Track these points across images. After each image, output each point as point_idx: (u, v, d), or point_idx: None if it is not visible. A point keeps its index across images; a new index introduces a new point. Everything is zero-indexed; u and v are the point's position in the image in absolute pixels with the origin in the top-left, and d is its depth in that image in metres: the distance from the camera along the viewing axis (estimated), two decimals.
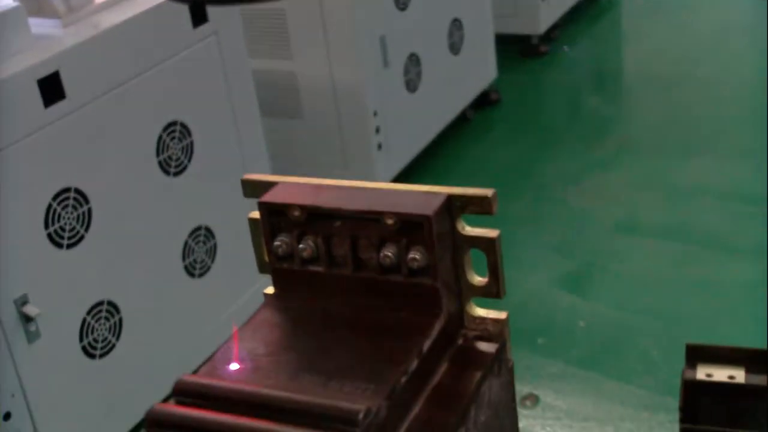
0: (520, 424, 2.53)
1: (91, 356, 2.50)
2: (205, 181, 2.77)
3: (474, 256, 1.05)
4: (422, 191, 1.02)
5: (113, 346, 2.55)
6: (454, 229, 1.02)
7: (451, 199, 1.01)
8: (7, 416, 2.30)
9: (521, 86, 4.54)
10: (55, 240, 2.38)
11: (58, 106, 2.34)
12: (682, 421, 1.55)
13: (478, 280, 1.04)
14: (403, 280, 1.01)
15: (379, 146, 3.45)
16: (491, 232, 1.01)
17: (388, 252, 1.01)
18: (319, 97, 3.42)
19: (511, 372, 1.06)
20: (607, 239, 3.37)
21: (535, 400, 2.65)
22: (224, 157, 2.85)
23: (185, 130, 2.71)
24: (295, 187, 1.05)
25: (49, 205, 2.35)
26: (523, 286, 3.11)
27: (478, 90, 4.21)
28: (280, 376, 0.95)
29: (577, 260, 3.27)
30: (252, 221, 1.08)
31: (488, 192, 0.99)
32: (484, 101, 4.29)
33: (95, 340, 2.50)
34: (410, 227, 1.00)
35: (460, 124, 4.10)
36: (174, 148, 2.68)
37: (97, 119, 2.44)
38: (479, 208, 1.00)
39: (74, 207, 2.41)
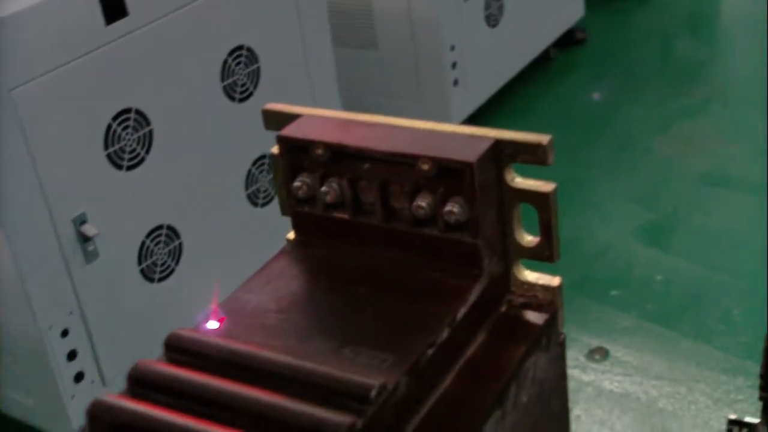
0: (587, 378, 2.38)
1: (150, 279, 2.41)
2: None
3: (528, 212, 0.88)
4: (467, 134, 0.85)
5: (172, 270, 2.46)
6: (501, 180, 0.85)
7: (499, 144, 0.84)
8: (64, 333, 2.23)
9: (610, 26, 4.25)
10: (114, 161, 2.28)
11: (120, 24, 2.21)
12: (762, 388, 1.36)
13: (529, 239, 0.88)
14: (439, 234, 0.85)
15: (455, 82, 3.26)
16: (545, 186, 0.84)
17: (422, 202, 0.85)
18: (394, 28, 3.23)
19: (562, 346, 0.90)
20: (693, 191, 3.13)
21: (604, 354, 2.47)
22: (292, 86, 2.70)
23: (252, 56, 2.56)
24: (321, 121, 0.89)
25: (109, 126, 2.24)
26: (601, 236, 2.91)
27: (564, 28, 3.95)
28: (287, 337, 0.81)
29: (660, 211, 3.04)
30: (273, 157, 0.92)
31: (543, 139, 0.82)
32: (568, 40, 4.02)
33: (154, 264, 2.40)
34: (449, 175, 0.83)
35: (541, 64, 3.85)
36: (239, 74, 2.54)
37: (160, 39, 2.31)
38: (532, 157, 0.83)
39: (135, 128, 2.30)
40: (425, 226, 0.86)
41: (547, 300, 0.88)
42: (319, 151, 0.87)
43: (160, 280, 2.42)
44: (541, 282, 0.88)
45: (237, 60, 2.53)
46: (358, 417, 0.71)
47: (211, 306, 0.88)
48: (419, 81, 3.26)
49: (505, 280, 0.89)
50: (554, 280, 0.88)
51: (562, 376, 0.90)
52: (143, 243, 2.36)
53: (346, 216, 0.89)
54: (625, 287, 2.69)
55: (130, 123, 2.28)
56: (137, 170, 2.32)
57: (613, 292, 2.66)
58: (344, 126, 0.88)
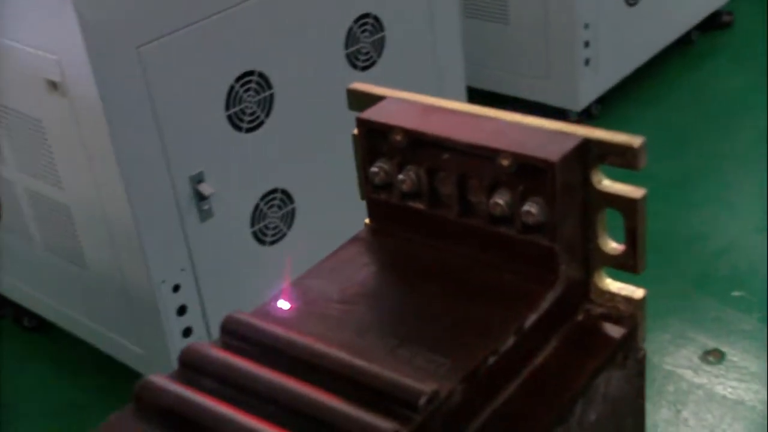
0: (700, 380, 2.26)
1: (262, 242, 2.42)
2: (393, 80, 2.59)
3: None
4: (554, 129, 0.79)
5: (284, 234, 2.46)
6: (587, 182, 0.79)
7: (587, 143, 0.78)
8: (176, 288, 2.27)
9: (760, 10, 4.00)
10: (234, 122, 2.29)
11: None
12: None
13: (613, 247, 0.81)
14: (515, 234, 0.80)
15: (587, 62, 3.13)
16: (634, 192, 0.77)
17: (500, 199, 0.79)
18: (528, 2, 3.13)
19: (641, 364, 0.83)
20: None
21: (719, 356, 2.35)
22: (417, 56, 2.65)
23: (378, 24, 2.52)
24: (404, 105, 0.84)
25: (232, 87, 2.25)
26: (727, 231, 2.76)
27: (709, 10, 3.74)
28: (345, 331, 0.77)
29: None
30: (354, 138, 0.88)
31: (635, 141, 0.75)
32: (713, 23, 3.80)
33: (266, 227, 2.41)
34: (530, 172, 0.78)
35: (681, 46, 3.66)
36: (364, 42, 2.50)
37: (288, 4, 2.30)
38: (621, 160, 0.76)
39: (256, 91, 2.30)
40: (502, 224, 0.80)
41: (628, 312, 0.81)
42: (398, 137, 0.82)
43: (272, 243, 2.43)
44: (623, 293, 0.82)
45: (363, 28, 2.49)
46: (404, 425, 0.66)
47: (279, 288, 0.85)
48: (549, 58, 3.16)
49: (584, 288, 0.83)
50: (637, 292, 0.81)
51: (638, 396, 0.84)
52: (257, 206, 2.37)
53: (422, 207, 0.84)
54: (749, 288, 2.54)
55: (253, 86, 2.29)
56: (256, 133, 2.33)
57: (735, 293, 2.52)
58: (426, 112, 0.83)
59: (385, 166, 0.84)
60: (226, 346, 0.76)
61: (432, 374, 0.71)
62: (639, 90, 3.45)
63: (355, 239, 0.87)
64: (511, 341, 0.75)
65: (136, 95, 2.08)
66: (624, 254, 0.80)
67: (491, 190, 0.80)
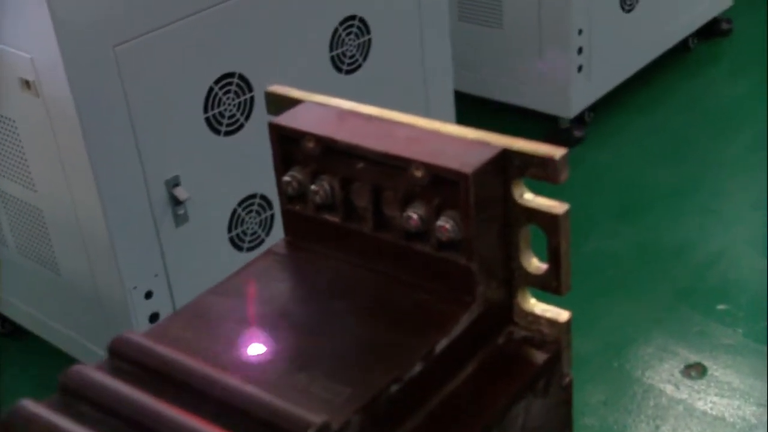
0: (680, 395, 2.19)
1: (239, 248, 2.36)
2: (379, 84, 2.53)
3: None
4: (472, 139, 0.73)
5: (262, 241, 2.40)
6: (508, 196, 0.73)
7: (507, 154, 0.71)
8: (148, 295, 2.21)
9: (760, 18, 3.92)
10: (213, 125, 2.23)
11: None
12: None
13: (536, 266, 0.75)
14: (431, 251, 0.74)
15: (580, 68, 3.07)
16: (555, 207, 0.71)
17: (414, 213, 0.73)
18: (522, 7, 3.06)
19: (566, 391, 0.77)
20: None
21: (701, 371, 2.28)
22: (403, 60, 2.59)
23: (363, 26, 2.46)
24: (319, 110, 0.78)
25: (211, 89, 2.20)
26: (715, 242, 2.69)
27: (708, 17, 3.66)
28: (242, 353, 0.71)
29: None
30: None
31: (555, 153, 0.69)
32: (711, 30, 3.73)
33: (244, 233, 2.36)
34: (445, 185, 0.71)
35: (678, 54, 3.58)
36: (349, 45, 2.45)
37: (271, 4, 2.24)
38: (542, 172, 0.70)
39: (236, 93, 2.24)
40: (417, 240, 0.74)
41: (553, 336, 0.75)
42: (310, 144, 0.76)
43: (249, 249, 2.37)
44: (547, 315, 0.75)
45: (348, 30, 2.44)
46: None
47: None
48: (542, 64, 3.09)
49: (506, 310, 0.76)
50: (562, 315, 0.75)
51: (564, 426, 0.77)
52: (234, 211, 2.32)
53: (336, 219, 0.78)
54: (734, 301, 2.47)
55: (233, 88, 2.23)
56: (235, 136, 2.27)
57: (720, 306, 2.45)
58: (342, 118, 0.77)
59: (299, 176, 0.78)
60: (114, 370, 0.70)
61: (327, 403, 0.65)
62: (633, 97, 3.38)
63: (268, 253, 0.81)
64: (418, 368, 0.69)
65: (111, 96, 2.03)
66: (547, 274, 0.73)
67: (406, 203, 0.73)
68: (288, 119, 0.78)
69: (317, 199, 0.77)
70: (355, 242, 0.77)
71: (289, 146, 0.78)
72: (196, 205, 2.21)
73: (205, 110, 2.20)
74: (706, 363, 2.29)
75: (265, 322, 0.74)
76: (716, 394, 2.20)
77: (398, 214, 0.74)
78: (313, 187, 0.77)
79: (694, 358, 2.30)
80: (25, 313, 2.52)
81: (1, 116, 2.19)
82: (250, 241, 2.37)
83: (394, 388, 0.67)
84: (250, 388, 0.66)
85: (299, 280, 0.78)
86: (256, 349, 0.71)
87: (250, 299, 0.75)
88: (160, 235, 2.19)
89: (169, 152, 2.16)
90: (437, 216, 0.72)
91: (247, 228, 2.35)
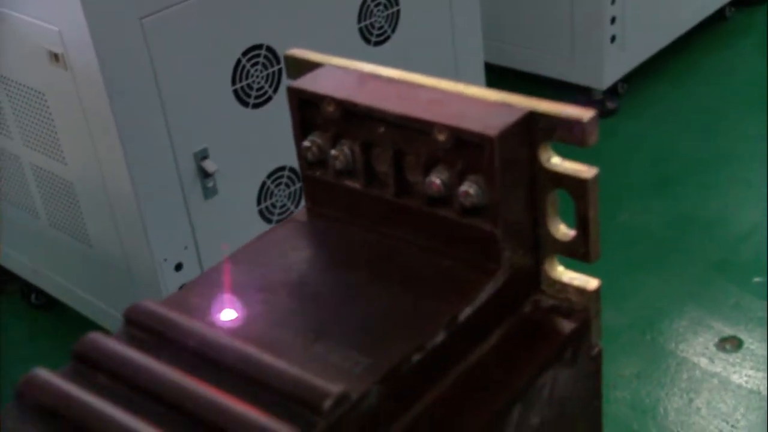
0: (714, 368, 2.15)
1: (268, 221, 2.35)
2: (408, 55, 2.49)
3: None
4: (497, 101, 0.70)
5: (291, 213, 2.38)
6: (534, 159, 0.70)
7: (533, 117, 0.68)
8: (178, 267, 2.21)
9: None
10: (241, 97, 2.21)
11: None
12: None
13: (564, 232, 0.72)
14: (455, 217, 0.71)
15: (613, 39, 3.00)
16: (584, 171, 0.68)
17: (437, 178, 0.70)
18: None
19: (596, 361, 0.74)
20: None
21: (736, 344, 2.23)
22: (432, 32, 2.55)
23: None
24: (339, 73, 0.76)
25: (239, 61, 2.18)
26: (750, 216, 2.63)
27: None
28: (261, 323, 0.69)
29: None
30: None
31: (584, 115, 0.65)
32: None
33: (273, 205, 2.34)
34: (469, 149, 0.69)
35: (714, 23, 3.50)
36: (378, 16, 2.41)
37: None
38: (570, 135, 0.67)
39: (264, 66, 2.22)
40: (440, 205, 0.72)
41: (581, 305, 0.72)
42: (330, 108, 0.74)
43: (278, 221, 2.35)
44: (575, 283, 0.72)
45: (377, 1, 2.40)
46: (307, 430, 0.58)
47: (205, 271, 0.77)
48: (574, 34, 3.03)
49: (534, 277, 0.74)
50: (591, 283, 0.72)
51: (593, 397, 0.75)
52: (264, 183, 2.30)
53: (357, 185, 0.75)
54: None
55: (260, 60, 2.21)
56: (263, 108, 2.25)
57: (756, 279, 2.40)
58: (362, 81, 0.74)
59: (319, 141, 0.76)
60: (130, 337, 0.68)
61: (346, 373, 0.63)
62: (667, 68, 3.31)
63: (289, 220, 0.79)
64: (441, 336, 0.66)
65: (139, 68, 2.01)
66: (574, 241, 0.70)
67: (428, 167, 0.71)
68: (307, 83, 0.75)
69: (337, 164, 0.75)
70: (376, 208, 0.75)
71: (308, 111, 0.76)
72: (225, 177, 2.20)
73: (233, 82, 2.18)
74: (741, 336, 2.24)
75: (283, 291, 0.71)
76: (751, 368, 2.16)
77: (420, 179, 0.71)
78: (333, 152, 0.75)
79: (728, 331, 2.26)
80: (58, 285, 2.53)
81: (31, 89, 2.19)
82: (279, 214, 2.35)
83: (415, 357, 0.65)
84: (267, 358, 0.64)
85: (319, 248, 0.76)
86: (272, 318, 0.69)
87: (269, 267, 0.73)
88: (189, 207, 2.19)
89: (198, 125, 2.14)
90: (461, 181, 0.69)
91: (276, 200, 2.34)
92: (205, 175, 2.18)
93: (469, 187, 0.68)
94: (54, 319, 2.61)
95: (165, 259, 2.16)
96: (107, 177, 2.12)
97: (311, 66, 0.78)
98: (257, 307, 0.70)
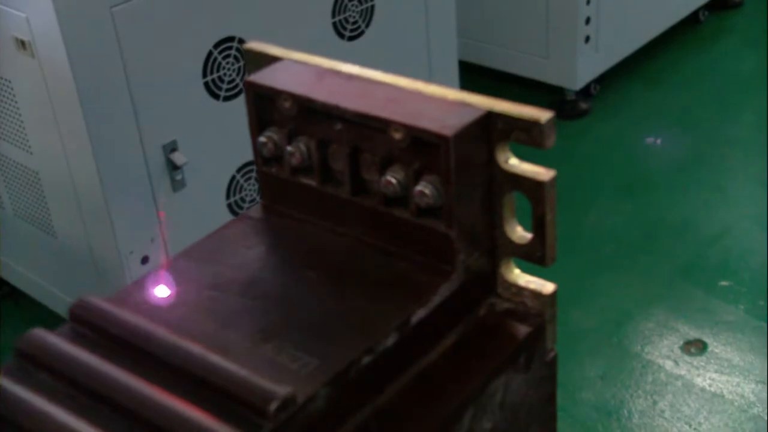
0: (679, 371, 2.15)
1: (237, 215, 2.33)
2: (382, 51, 2.48)
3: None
4: (455, 100, 0.69)
5: None
6: (492, 161, 0.69)
7: (491, 117, 0.67)
8: (144, 260, 2.18)
9: None
10: (212, 90, 2.19)
11: None
12: None
13: (520, 235, 0.71)
14: (410, 218, 0.70)
15: (587, 39, 3.00)
16: (541, 173, 0.67)
17: (393, 177, 0.69)
18: None
19: (550, 367, 0.73)
20: None
21: (701, 347, 2.24)
22: (407, 27, 2.54)
23: None
24: (297, 68, 0.74)
25: (210, 53, 2.15)
26: (719, 219, 2.63)
27: None
28: (209, 322, 0.67)
29: None
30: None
31: (541, 116, 0.64)
32: (723, 2, 3.65)
33: (242, 200, 2.32)
34: (425, 148, 0.67)
35: (688, 25, 3.51)
36: (352, 10, 2.39)
37: None
38: (527, 137, 0.66)
39: (236, 58, 2.20)
40: (396, 205, 0.70)
41: (537, 309, 0.71)
42: (287, 104, 0.72)
43: None
44: (531, 286, 0.71)
45: None
46: None
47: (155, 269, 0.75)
48: (548, 34, 3.02)
49: (489, 280, 0.72)
50: (547, 287, 0.71)
51: (546, 403, 0.74)
52: (233, 177, 2.28)
53: (313, 183, 0.74)
54: (737, 278, 2.43)
55: (232, 52, 2.19)
56: (234, 102, 2.23)
57: (723, 282, 2.40)
58: (320, 77, 0.73)
59: (275, 137, 0.74)
60: (74, 335, 0.66)
61: (293, 375, 0.62)
62: (641, 70, 3.32)
63: (242, 217, 0.77)
64: (392, 339, 0.65)
65: (108, 58, 1.98)
66: (531, 244, 0.69)
67: (384, 166, 0.69)
68: (264, 77, 0.73)
69: (293, 161, 0.73)
70: (331, 207, 0.73)
71: (265, 106, 0.74)
72: (194, 170, 2.18)
73: (204, 74, 2.16)
74: (706, 339, 2.25)
75: (234, 289, 0.70)
76: (715, 371, 2.16)
77: (377, 178, 0.70)
78: (289, 148, 0.73)
79: (694, 334, 2.26)
80: (22, 276, 2.49)
81: None
82: (248, 208, 2.33)
83: (366, 359, 0.64)
84: (213, 358, 0.62)
85: (272, 246, 0.74)
86: (222, 317, 0.68)
87: (220, 265, 0.72)
88: (157, 200, 2.16)
89: (167, 116, 2.12)
90: (417, 181, 0.68)
91: (246, 195, 2.32)
92: (173, 167, 2.16)
93: (424, 188, 0.67)
94: (18, 310, 2.58)
95: (131, 252, 2.14)
96: (73, 167, 2.09)
97: (270, 60, 0.76)
98: (206, 305, 0.68)
